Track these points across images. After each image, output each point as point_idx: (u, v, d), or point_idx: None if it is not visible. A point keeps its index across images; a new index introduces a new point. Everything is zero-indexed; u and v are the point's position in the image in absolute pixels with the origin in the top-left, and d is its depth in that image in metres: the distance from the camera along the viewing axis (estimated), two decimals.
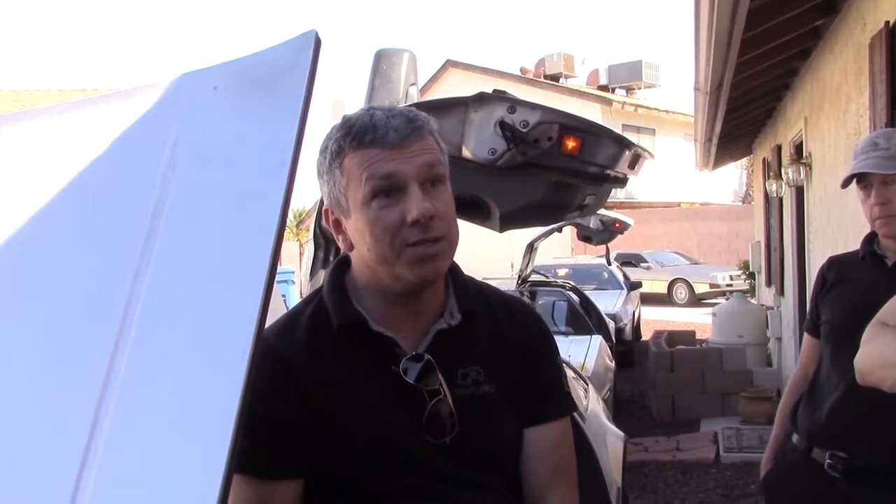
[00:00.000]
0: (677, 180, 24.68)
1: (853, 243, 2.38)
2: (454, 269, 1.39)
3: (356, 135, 1.23)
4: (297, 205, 31.38)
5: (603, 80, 27.31)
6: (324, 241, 2.29)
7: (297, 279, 12.28)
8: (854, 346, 1.76)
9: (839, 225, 5.18)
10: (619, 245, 16.42)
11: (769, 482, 2.56)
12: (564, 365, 4.87)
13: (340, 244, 1.33)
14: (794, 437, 2.39)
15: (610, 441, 3.83)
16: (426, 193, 1.23)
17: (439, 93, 24.01)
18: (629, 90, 27.51)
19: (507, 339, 1.39)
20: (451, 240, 1.28)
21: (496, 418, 1.35)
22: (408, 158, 1.23)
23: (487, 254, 12.82)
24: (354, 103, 2.26)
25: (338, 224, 1.32)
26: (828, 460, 2.23)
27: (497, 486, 1.36)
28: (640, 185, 23.26)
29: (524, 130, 1.94)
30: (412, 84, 2.18)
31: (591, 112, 23.51)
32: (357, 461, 1.27)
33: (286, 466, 1.27)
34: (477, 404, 1.31)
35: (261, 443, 1.24)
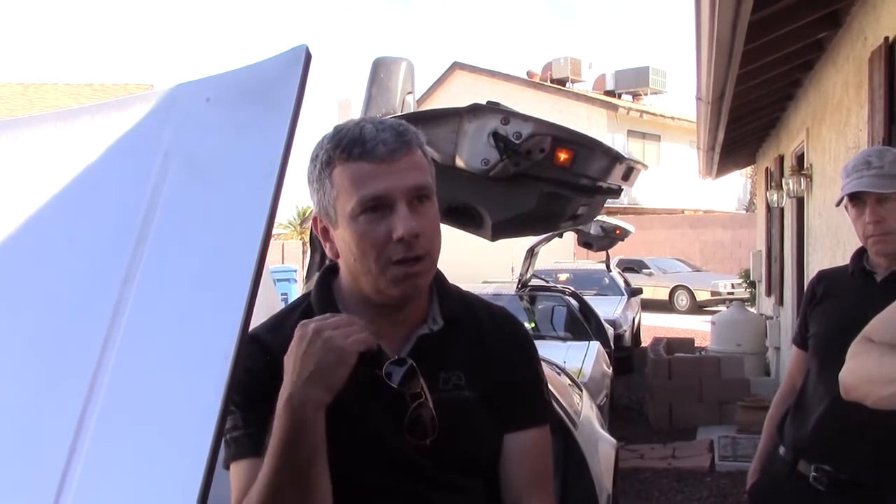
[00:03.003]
0: (681, 187, 24.67)
1: (851, 255, 2.40)
2: (438, 277, 1.42)
3: (346, 147, 1.27)
4: (301, 203, 31.36)
5: (609, 86, 27.29)
6: (319, 244, 2.31)
7: (301, 277, 12.30)
8: (840, 361, 1.77)
9: (837, 237, 5.20)
10: (621, 251, 16.45)
11: (755, 494, 2.58)
12: (560, 371, 4.86)
13: (327, 251, 1.37)
14: (781, 450, 2.41)
15: (601, 448, 3.85)
16: (413, 210, 1.27)
17: (446, 95, 24.04)
18: (635, 96, 27.49)
19: (489, 346, 1.43)
20: (433, 257, 1.33)
21: (476, 423, 1.38)
22: (396, 174, 1.26)
23: (488, 258, 12.84)
24: (361, 104, 2.28)
25: (325, 232, 1.36)
26: (813, 473, 2.26)
27: (477, 490, 1.39)
28: (644, 192, 23.26)
29: (517, 142, 1.97)
30: (409, 93, 2.20)
31: (596, 117, 23.53)
32: (338, 461, 1.29)
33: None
34: (457, 408, 1.34)
35: (252, 427, 1.29)
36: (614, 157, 2.21)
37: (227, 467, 1.32)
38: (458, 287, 1.49)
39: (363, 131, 1.27)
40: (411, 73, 2.23)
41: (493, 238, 2.28)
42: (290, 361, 1.22)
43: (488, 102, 2.03)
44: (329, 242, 1.36)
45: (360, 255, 1.28)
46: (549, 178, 2.09)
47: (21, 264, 1.09)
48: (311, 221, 1.51)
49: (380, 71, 2.18)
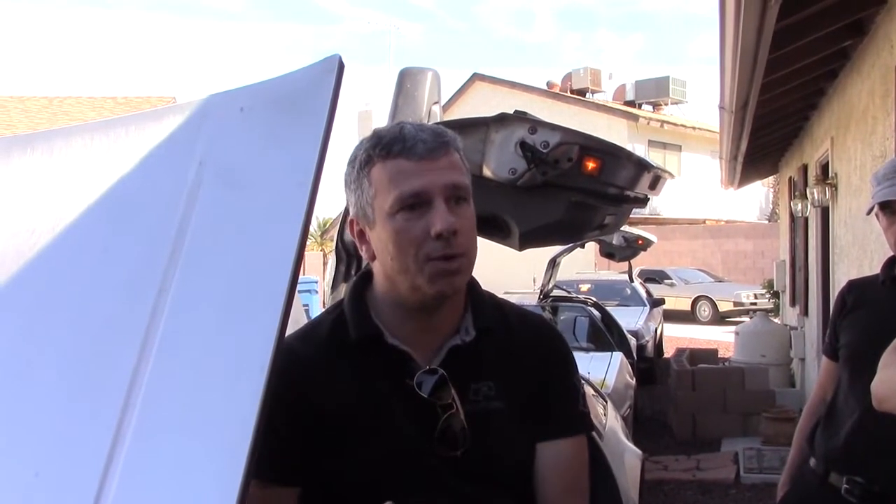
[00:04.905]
0: (703, 197, 24.52)
1: (878, 265, 2.38)
2: (473, 286, 1.41)
3: (386, 145, 1.27)
4: (322, 214, 31.49)
5: (630, 96, 27.21)
6: (346, 254, 2.32)
7: (321, 289, 12.35)
8: (872, 371, 1.75)
9: (864, 246, 5.15)
10: (643, 261, 16.36)
11: None
12: (584, 382, 4.83)
13: (363, 254, 1.36)
14: (812, 461, 2.39)
15: (627, 459, 3.83)
16: (450, 209, 1.27)
17: (465, 106, 24.07)
18: (656, 106, 27.38)
19: (523, 355, 1.41)
20: (470, 257, 1.31)
21: (505, 434, 1.36)
22: (435, 172, 1.26)
23: (510, 268, 12.82)
24: (381, 114, 2.29)
25: (362, 234, 1.36)
26: (844, 485, 2.23)
27: (506, 502, 1.37)
28: (666, 202, 23.14)
29: (544, 151, 1.97)
30: (435, 102, 2.21)
31: (617, 127, 23.45)
32: (367, 471, 1.29)
33: (286, 472, 1.29)
34: (487, 419, 1.33)
35: (265, 450, 1.25)
36: (642, 166, 2.20)
37: None
38: (492, 294, 1.48)
39: (403, 131, 1.28)
40: (437, 84, 2.24)
41: (521, 248, 2.27)
42: None
43: (515, 112, 2.03)
44: (365, 245, 1.35)
45: (398, 252, 1.27)
46: (577, 188, 2.09)
47: (59, 274, 1.10)
48: (334, 231, 1.50)
49: (406, 81, 2.19)
